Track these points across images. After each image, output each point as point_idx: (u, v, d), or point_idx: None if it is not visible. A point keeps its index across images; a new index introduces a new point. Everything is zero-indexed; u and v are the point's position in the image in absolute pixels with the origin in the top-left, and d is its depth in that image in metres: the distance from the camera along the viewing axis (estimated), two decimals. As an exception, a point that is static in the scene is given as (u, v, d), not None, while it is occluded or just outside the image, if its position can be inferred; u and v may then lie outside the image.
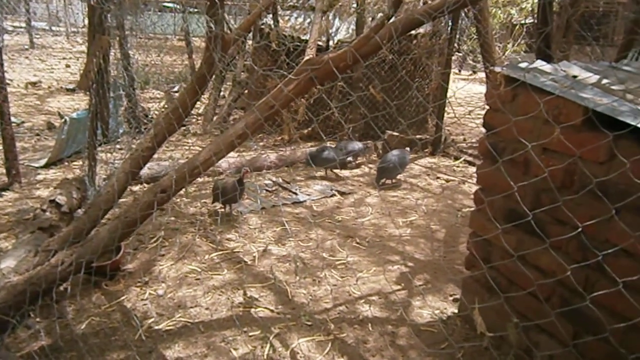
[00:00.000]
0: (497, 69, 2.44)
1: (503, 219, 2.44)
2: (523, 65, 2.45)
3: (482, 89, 11.57)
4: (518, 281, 2.38)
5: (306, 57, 2.39)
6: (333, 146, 5.40)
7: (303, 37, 6.09)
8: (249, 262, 3.33)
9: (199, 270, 3.22)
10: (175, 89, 7.82)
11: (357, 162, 5.52)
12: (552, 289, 2.18)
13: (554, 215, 2.11)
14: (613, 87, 2.17)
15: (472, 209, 4.36)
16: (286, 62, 5.34)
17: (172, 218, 4.00)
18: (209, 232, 3.75)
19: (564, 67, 2.46)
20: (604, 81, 2.25)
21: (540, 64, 2.47)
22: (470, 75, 14.52)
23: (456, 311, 2.84)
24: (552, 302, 2.17)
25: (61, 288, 2.81)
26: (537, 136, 2.17)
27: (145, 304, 2.84)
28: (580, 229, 1.69)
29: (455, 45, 6.02)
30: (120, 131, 6.29)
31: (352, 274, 3.21)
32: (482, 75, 12.64)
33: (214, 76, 7.12)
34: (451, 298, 2.99)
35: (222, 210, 4.12)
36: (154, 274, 3.19)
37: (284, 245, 3.57)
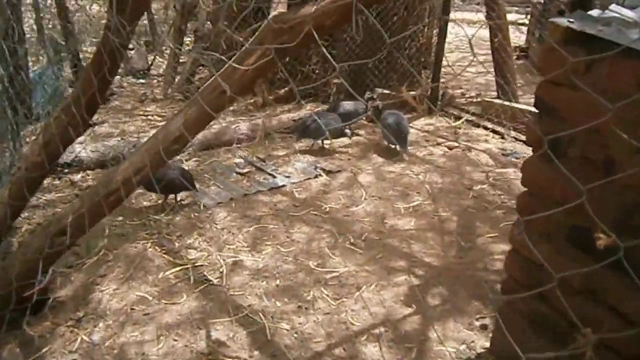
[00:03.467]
0: (559, 21, 1.65)
1: (563, 239, 1.72)
2: (595, 13, 1.66)
3: (471, 31, 10.65)
4: (584, 324, 1.69)
5: (273, 13, 1.57)
6: (325, 111, 4.59)
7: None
8: (215, 281, 2.59)
9: (150, 297, 2.47)
10: (130, 45, 6.83)
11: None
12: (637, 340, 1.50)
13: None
14: None
15: (484, 186, 3.67)
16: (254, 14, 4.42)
17: (119, 218, 3.20)
18: (165, 238, 2.98)
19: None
20: None
21: (618, 10, 1.68)
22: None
23: (487, 345, 2.16)
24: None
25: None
26: (631, 125, 1.42)
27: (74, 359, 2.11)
28: None
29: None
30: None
31: (349, 292, 2.50)
32: (471, 16, 11.70)
33: (171, 30, 6.16)
34: (478, 323, 2.30)
35: (173, 202, 3.34)
36: (91, 305, 2.45)
37: (259, 253, 2.83)
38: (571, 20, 1.59)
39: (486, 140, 4.58)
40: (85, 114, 1.61)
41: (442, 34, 5.13)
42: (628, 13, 1.68)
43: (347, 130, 4.23)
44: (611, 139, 1.46)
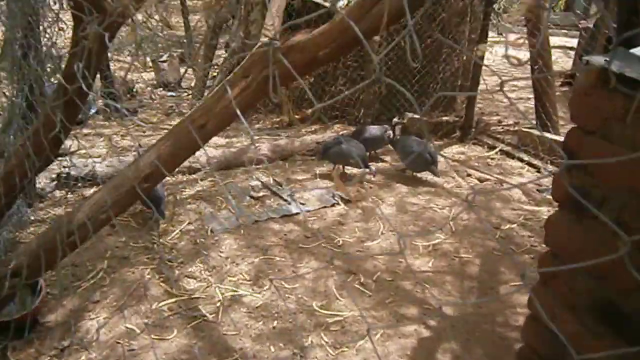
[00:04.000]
0: (595, 60, 1.42)
1: (591, 313, 1.47)
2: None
3: (514, 53, 10.27)
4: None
5: (262, 39, 1.40)
6: (351, 134, 4.40)
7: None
8: (210, 317, 2.42)
9: (138, 331, 2.32)
10: (164, 58, 6.83)
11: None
12: None
13: None
14: None
15: (513, 226, 3.39)
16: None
17: (123, 239, 3.09)
18: (165, 264, 2.84)
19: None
20: None
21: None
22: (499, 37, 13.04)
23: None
24: None
25: None
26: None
27: (48, 397, 1.98)
28: None
29: (495, 6, 4.89)
30: (92, 111, 5.36)
31: (351, 340, 2.28)
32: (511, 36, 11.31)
33: (202, 44, 6.10)
34: (492, 389, 2.05)
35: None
36: (78, 334, 2.32)
37: (261, 288, 2.65)
38: (608, 59, 1.36)
39: (520, 174, 4.29)
40: (48, 146, 1.47)
41: (480, 58, 4.88)
42: (679, 53, 1.44)
43: (372, 167, 4.05)
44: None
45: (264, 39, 1.37)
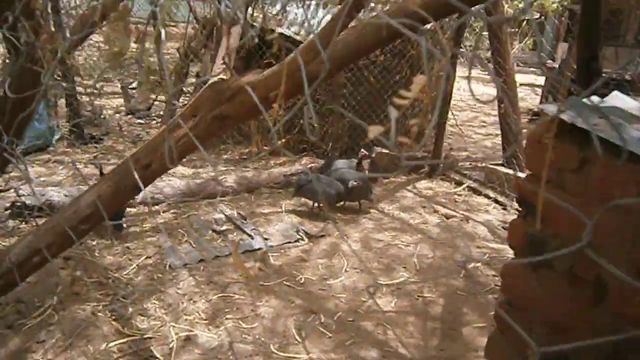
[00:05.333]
0: (550, 109, 1.42)
1: (547, 364, 1.43)
2: (594, 100, 1.43)
3: (485, 89, 10.57)
4: None
5: (211, 80, 1.36)
6: (320, 167, 4.38)
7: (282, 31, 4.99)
8: (161, 359, 2.31)
9: (84, 374, 2.20)
10: (133, 85, 6.74)
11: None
12: None
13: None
14: None
15: (478, 264, 3.37)
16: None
17: (77, 273, 2.96)
18: (119, 301, 2.72)
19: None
20: None
21: (621, 98, 1.45)
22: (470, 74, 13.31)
23: None
24: None
25: None
26: (628, 241, 1.17)
27: None
28: None
29: (463, 45, 4.99)
30: (56, 137, 5.23)
31: (308, 385, 2.20)
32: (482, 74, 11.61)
33: (172, 74, 6.06)
34: None
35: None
36: (19, 377, 2.18)
37: (217, 328, 2.54)
38: (562, 109, 1.36)
39: (487, 211, 4.31)
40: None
41: (447, 94, 4.94)
42: (631, 103, 1.45)
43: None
44: (604, 258, 1.19)
45: (214, 78, 1.33)
